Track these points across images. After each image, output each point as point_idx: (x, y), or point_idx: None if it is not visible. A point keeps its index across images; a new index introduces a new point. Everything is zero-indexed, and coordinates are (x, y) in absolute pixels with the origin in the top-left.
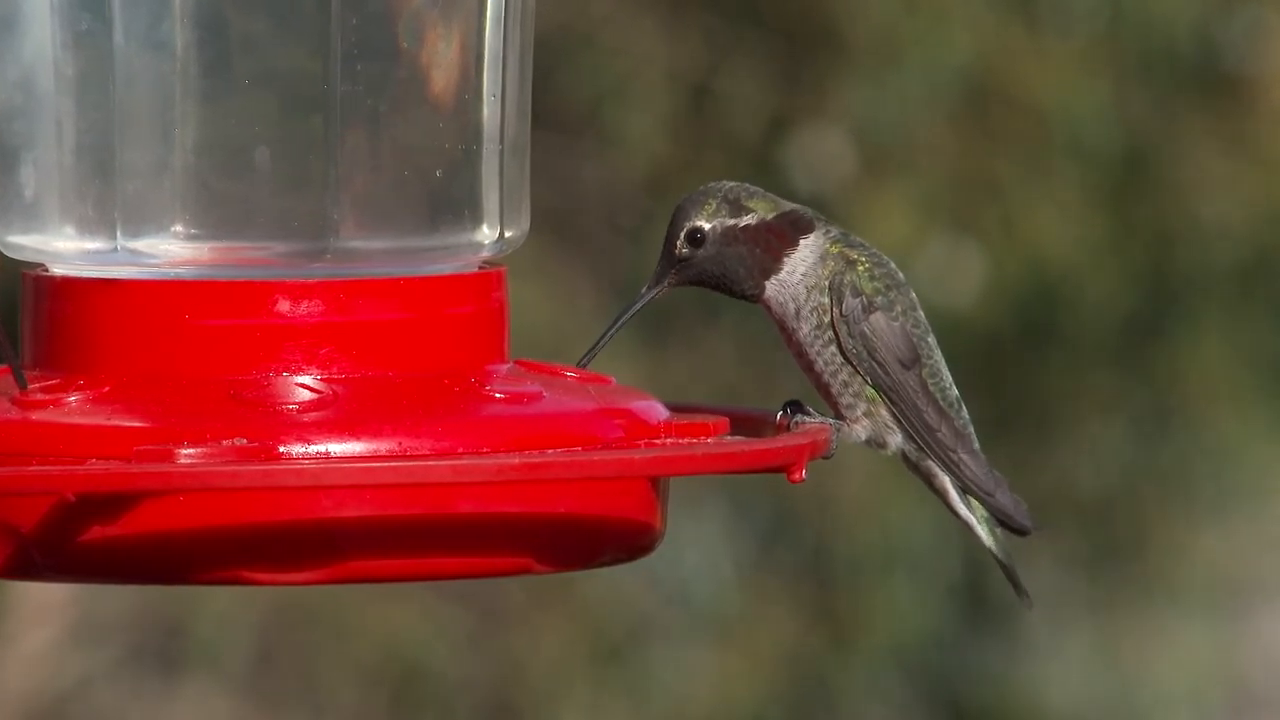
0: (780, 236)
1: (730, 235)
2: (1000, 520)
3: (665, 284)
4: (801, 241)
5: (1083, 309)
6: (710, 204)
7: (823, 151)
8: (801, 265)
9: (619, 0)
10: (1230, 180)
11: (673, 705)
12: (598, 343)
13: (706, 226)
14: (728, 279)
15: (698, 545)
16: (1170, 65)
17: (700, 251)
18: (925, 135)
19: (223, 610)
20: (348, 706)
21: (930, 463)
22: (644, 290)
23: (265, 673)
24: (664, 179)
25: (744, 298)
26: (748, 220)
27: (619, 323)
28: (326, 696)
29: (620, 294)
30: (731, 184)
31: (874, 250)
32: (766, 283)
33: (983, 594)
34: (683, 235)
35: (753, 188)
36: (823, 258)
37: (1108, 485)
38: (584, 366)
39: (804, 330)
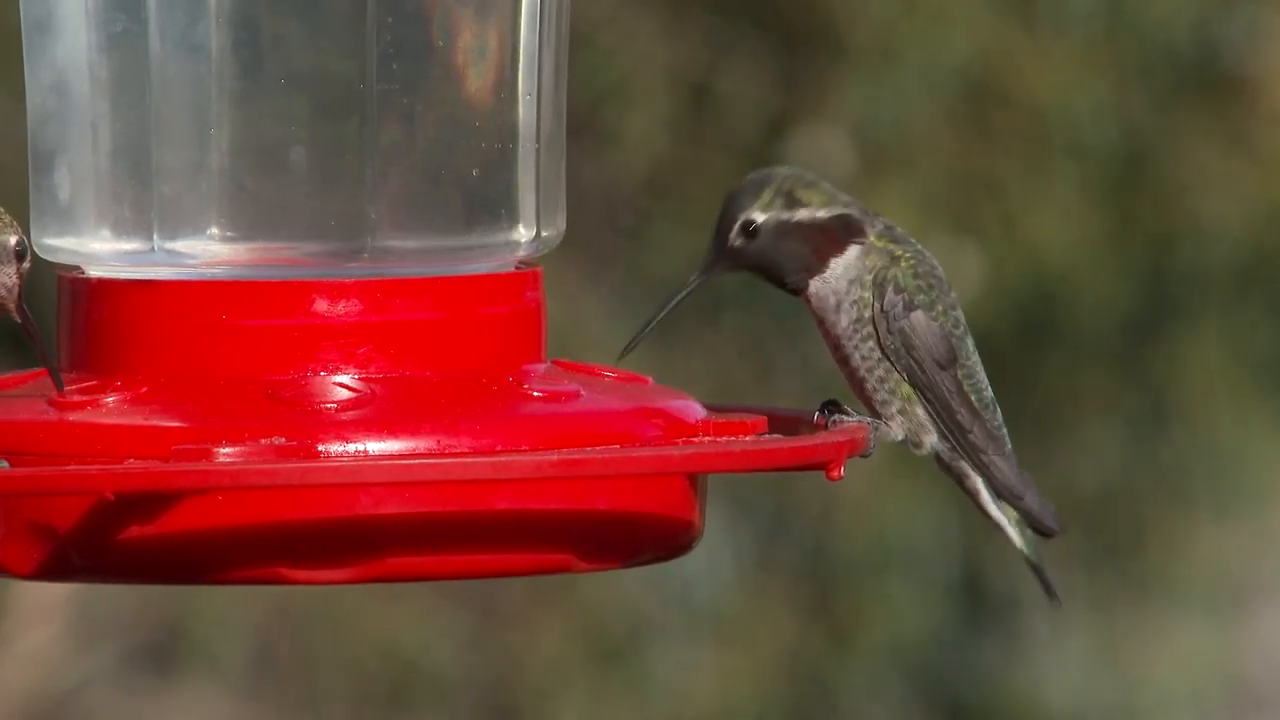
0: (830, 238)
1: (783, 230)
2: (1028, 521)
3: (715, 272)
4: (851, 245)
5: (1082, 308)
6: (765, 194)
7: (822, 150)
8: (844, 261)
9: (619, 0)
10: (1229, 180)
11: (672, 705)
12: (644, 328)
13: (760, 219)
14: (775, 271)
15: (699, 545)
16: (1169, 65)
17: (753, 244)
18: (924, 134)
19: (222, 610)
20: (347, 706)
21: (962, 463)
22: (694, 277)
23: (264, 673)
24: (664, 179)
25: (785, 289)
26: (801, 215)
27: (666, 309)
28: (326, 696)
29: (619, 293)
30: (786, 171)
31: (918, 247)
32: (811, 280)
33: (982, 593)
34: (736, 226)
35: (808, 175)
36: (866, 251)
37: (1107, 484)
38: (633, 349)
39: (842, 324)
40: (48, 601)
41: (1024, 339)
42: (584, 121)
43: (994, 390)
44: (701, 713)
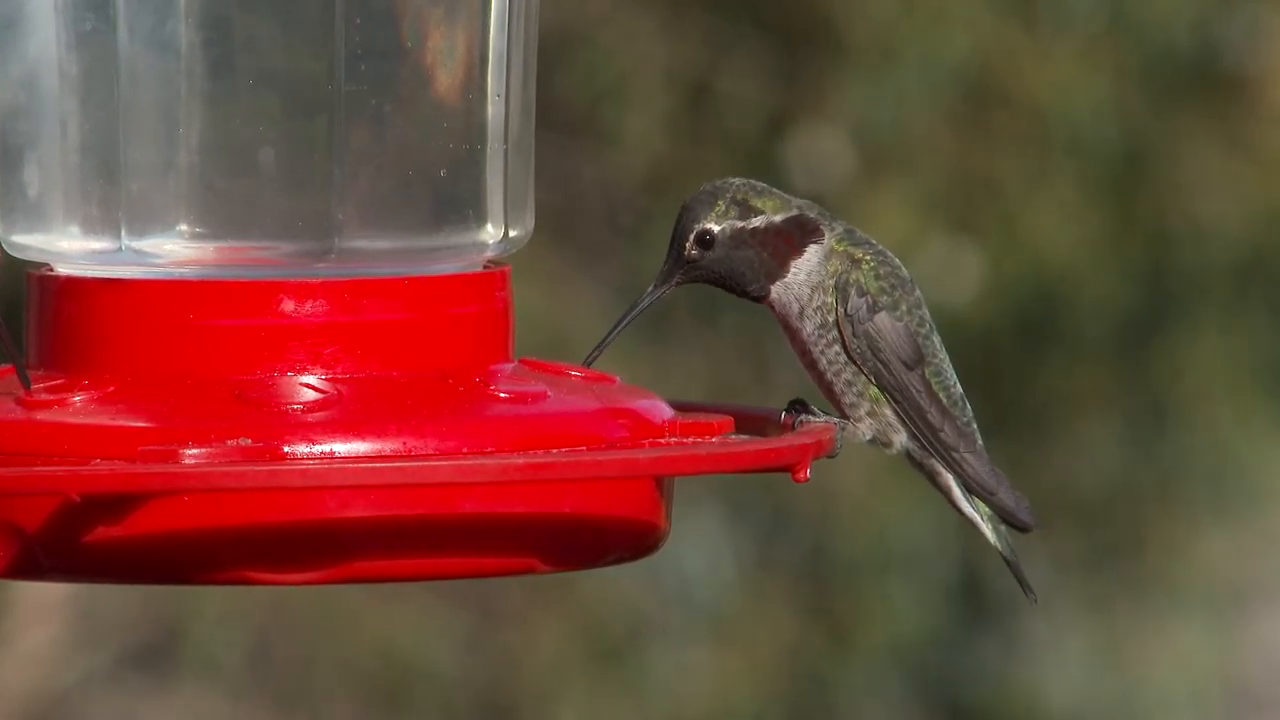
0: (788, 241)
1: (739, 238)
2: (1003, 518)
3: (672, 283)
4: (809, 246)
5: (1081, 308)
6: (719, 204)
7: (821, 151)
8: (806, 266)
9: (618, 0)
10: (1229, 179)
11: (672, 705)
12: (604, 340)
13: (716, 229)
14: (734, 280)
15: (698, 545)
16: (1169, 64)
17: (709, 254)
18: (924, 134)
19: (221, 610)
20: (346, 706)
21: (934, 461)
22: (650, 289)
23: (263, 673)
24: (663, 178)
25: (748, 297)
26: (756, 223)
27: (625, 321)
28: (324, 696)
29: (619, 293)
30: (739, 181)
31: (879, 247)
32: (772, 285)
33: (981, 593)
34: (692, 237)
35: (759, 184)
36: (827, 256)
37: (1106, 484)
38: (590, 364)
39: (808, 329)
40: (47, 601)
41: (1023, 339)
42: (583, 120)
43: (991, 390)
44: (701, 713)
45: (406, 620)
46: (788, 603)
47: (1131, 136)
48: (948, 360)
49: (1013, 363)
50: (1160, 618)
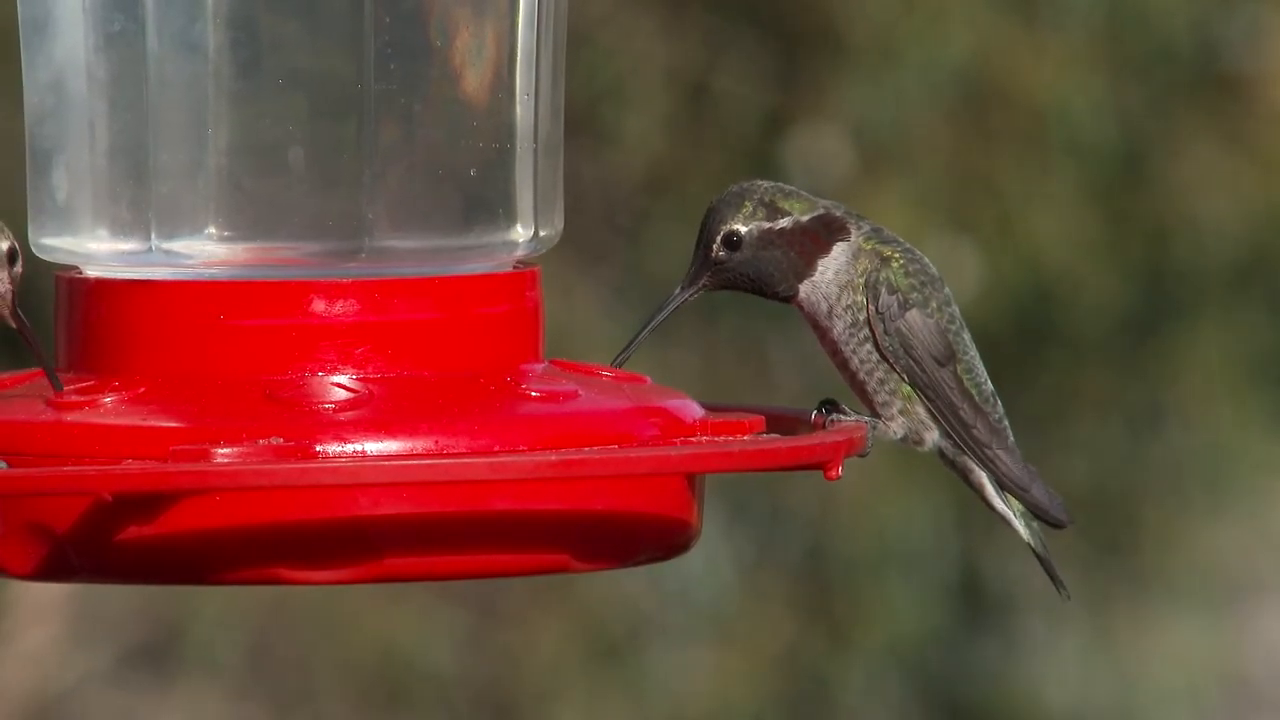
0: (815, 240)
1: (766, 239)
2: (1036, 514)
3: (699, 285)
4: (836, 245)
5: (1079, 307)
6: (746, 205)
7: (821, 150)
8: (834, 264)
9: (618, 0)
10: (1227, 178)
11: (671, 705)
12: (632, 342)
13: (743, 230)
14: (761, 282)
15: (698, 545)
16: (1168, 63)
17: (736, 255)
18: (923, 134)
19: (221, 610)
20: (345, 706)
21: (966, 459)
22: (678, 291)
23: (262, 672)
24: (663, 178)
25: (776, 298)
26: (784, 223)
27: (653, 323)
28: (323, 696)
29: (618, 293)
30: (766, 184)
31: (907, 245)
32: (800, 285)
33: (980, 593)
34: (719, 238)
35: (787, 187)
36: (856, 255)
37: (1104, 482)
38: (619, 366)
39: (837, 328)
40: (48, 601)
41: (1022, 338)
42: (582, 120)
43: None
44: (701, 713)
45: (406, 620)
46: (787, 603)
47: (1130, 136)
48: (978, 357)
49: (1012, 362)
50: (1159, 616)
